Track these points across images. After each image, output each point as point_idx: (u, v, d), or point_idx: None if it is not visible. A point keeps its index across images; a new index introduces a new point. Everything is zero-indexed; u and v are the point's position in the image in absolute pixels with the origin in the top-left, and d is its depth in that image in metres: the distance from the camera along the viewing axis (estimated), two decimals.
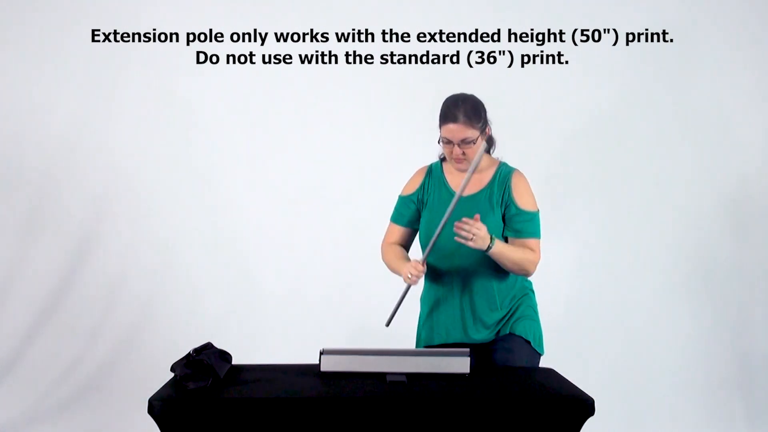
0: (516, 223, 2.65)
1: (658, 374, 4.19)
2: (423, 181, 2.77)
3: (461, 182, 2.56)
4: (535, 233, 2.67)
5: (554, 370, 2.57)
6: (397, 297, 2.72)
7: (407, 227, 2.81)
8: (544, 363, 2.75)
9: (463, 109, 2.59)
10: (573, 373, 2.59)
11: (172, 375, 2.30)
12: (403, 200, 2.81)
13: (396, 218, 2.83)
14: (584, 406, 2.20)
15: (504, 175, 2.70)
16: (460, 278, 2.69)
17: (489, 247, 2.52)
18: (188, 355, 2.29)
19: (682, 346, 4.20)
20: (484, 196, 2.68)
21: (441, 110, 2.65)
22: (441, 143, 2.67)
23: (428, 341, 2.79)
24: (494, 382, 2.38)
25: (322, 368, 2.38)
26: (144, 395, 2.19)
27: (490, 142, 2.73)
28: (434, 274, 2.74)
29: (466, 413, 2.17)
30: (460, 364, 2.39)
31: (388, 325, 2.76)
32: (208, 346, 2.39)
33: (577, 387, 2.35)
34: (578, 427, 2.20)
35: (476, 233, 2.48)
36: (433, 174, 2.77)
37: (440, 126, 2.64)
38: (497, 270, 2.67)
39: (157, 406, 2.14)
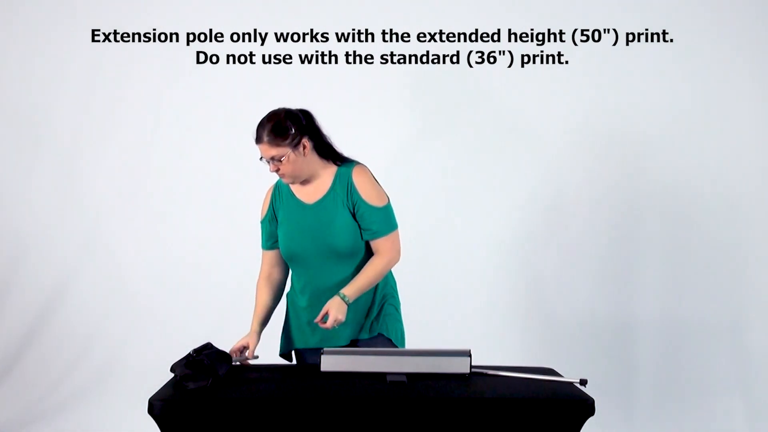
0: (369, 222, 2.68)
1: (658, 374, 4.19)
2: (271, 199, 2.82)
3: (306, 191, 2.71)
4: (390, 227, 2.71)
5: (554, 370, 2.57)
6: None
7: (273, 249, 2.84)
8: (544, 363, 2.75)
9: (267, 129, 2.66)
10: (573, 373, 2.59)
11: (172, 375, 2.30)
12: (262, 224, 2.87)
13: (263, 244, 2.88)
14: (584, 406, 2.20)
15: (344, 174, 2.72)
16: (325, 281, 2.72)
17: (348, 302, 2.60)
18: (188, 355, 2.29)
19: (682, 345, 4.19)
20: (329, 200, 2.71)
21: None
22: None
23: (297, 344, 2.81)
24: (494, 382, 2.38)
25: (322, 368, 2.38)
26: (144, 395, 2.19)
27: (322, 150, 2.73)
28: (302, 281, 2.78)
29: (466, 413, 2.17)
30: (460, 364, 2.39)
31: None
32: (208, 346, 2.39)
33: (577, 387, 2.35)
34: (578, 427, 2.20)
35: (336, 320, 2.57)
36: (281, 189, 2.80)
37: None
38: (357, 267, 2.73)
39: (157, 406, 2.14)
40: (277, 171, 2.66)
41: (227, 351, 2.47)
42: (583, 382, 2.37)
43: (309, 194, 2.74)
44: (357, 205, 2.68)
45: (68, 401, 4.15)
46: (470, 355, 2.40)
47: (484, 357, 2.74)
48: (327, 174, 2.73)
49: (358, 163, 2.75)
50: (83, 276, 4.30)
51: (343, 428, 2.16)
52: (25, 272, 4.30)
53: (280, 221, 2.77)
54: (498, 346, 3.83)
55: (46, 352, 4.25)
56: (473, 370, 2.42)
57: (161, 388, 2.26)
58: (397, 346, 2.74)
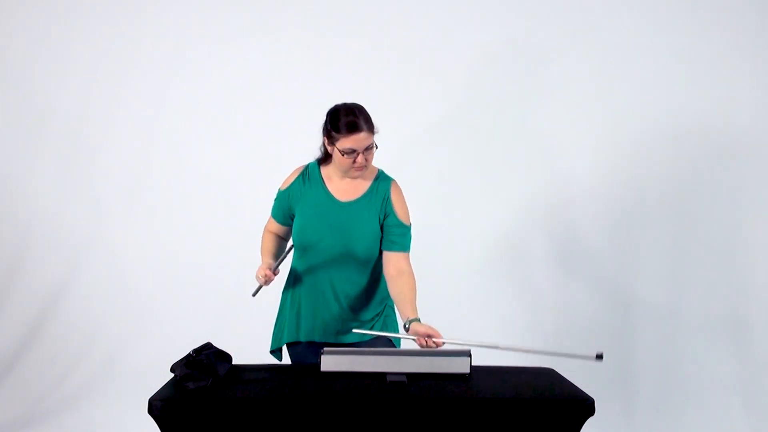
0: (393, 234, 2.69)
1: (658, 374, 4.19)
2: (296, 180, 2.77)
3: (341, 188, 2.69)
4: (407, 247, 2.73)
5: (554, 370, 2.57)
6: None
7: (281, 224, 2.82)
8: (544, 363, 2.75)
9: (363, 119, 2.60)
10: (573, 373, 2.59)
11: (172, 375, 2.31)
12: (279, 195, 2.81)
13: (274, 213, 2.84)
14: (584, 406, 2.20)
15: (383, 184, 2.73)
16: (333, 280, 2.71)
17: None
18: (188, 355, 2.29)
19: (682, 346, 4.19)
20: (364, 203, 2.70)
21: (338, 122, 2.60)
22: (341, 155, 2.61)
23: (297, 337, 2.77)
24: (494, 382, 2.38)
25: (322, 368, 2.38)
26: (144, 395, 2.19)
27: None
28: (308, 273, 2.75)
29: (466, 413, 2.17)
30: (460, 364, 2.39)
31: (254, 295, 2.84)
32: (208, 346, 2.39)
33: (577, 387, 2.35)
34: (578, 427, 2.21)
35: (437, 341, 2.50)
36: (311, 175, 2.76)
37: (339, 138, 2.59)
38: (368, 274, 2.73)
39: (157, 406, 2.14)
40: (365, 162, 2.61)
41: (228, 351, 2.46)
42: (600, 356, 2.36)
43: (343, 192, 2.71)
44: (389, 216, 2.70)
45: (68, 401, 4.14)
46: (470, 355, 2.40)
47: (484, 357, 2.74)
48: (367, 176, 2.72)
49: (393, 179, 2.77)
50: (83, 276, 4.30)
51: (343, 428, 2.16)
52: (26, 273, 4.30)
53: (303, 209, 2.72)
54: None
55: (46, 352, 4.25)
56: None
57: (161, 388, 2.26)
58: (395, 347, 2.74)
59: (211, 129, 4.30)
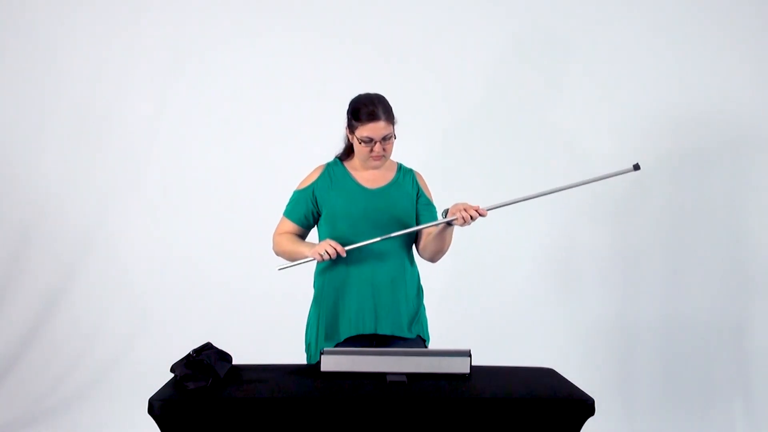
0: (424, 214, 2.78)
1: (658, 374, 4.19)
2: (318, 179, 2.78)
3: (368, 178, 2.74)
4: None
5: (554, 370, 2.57)
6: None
7: (298, 224, 2.79)
8: (544, 363, 2.75)
9: (382, 108, 2.65)
10: (573, 373, 2.59)
11: (172, 375, 2.31)
12: (298, 195, 2.80)
13: (289, 214, 2.80)
14: (584, 406, 2.20)
15: (408, 173, 2.83)
16: (374, 270, 2.70)
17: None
18: (188, 355, 2.29)
19: (683, 346, 4.19)
20: (395, 187, 2.77)
21: (357, 111, 2.66)
22: (359, 143, 2.67)
23: (333, 337, 2.72)
24: (494, 382, 2.38)
25: (322, 368, 2.38)
26: (144, 395, 2.19)
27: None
28: (345, 266, 2.70)
29: (466, 413, 2.17)
30: (460, 364, 2.39)
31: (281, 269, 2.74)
32: (208, 346, 2.39)
33: (577, 387, 2.35)
34: (578, 427, 2.21)
35: (474, 211, 2.54)
36: (335, 170, 2.79)
37: (358, 126, 2.65)
38: (408, 262, 2.76)
39: (157, 406, 2.14)
40: (382, 151, 2.66)
41: (228, 351, 2.46)
42: (636, 167, 2.31)
43: (371, 181, 2.75)
44: (420, 197, 2.79)
45: (68, 401, 4.14)
46: (470, 355, 2.40)
47: (484, 357, 2.74)
48: (389, 166, 2.80)
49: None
50: (83, 276, 4.30)
51: (343, 428, 2.16)
52: (26, 272, 4.30)
53: (334, 201, 2.72)
54: (498, 346, 3.83)
55: (46, 352, 4.25)
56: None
57: (161, 388, 2.26)
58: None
59: (213, 129, 4.30)
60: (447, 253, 2.79)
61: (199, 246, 4.29)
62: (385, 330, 2.69)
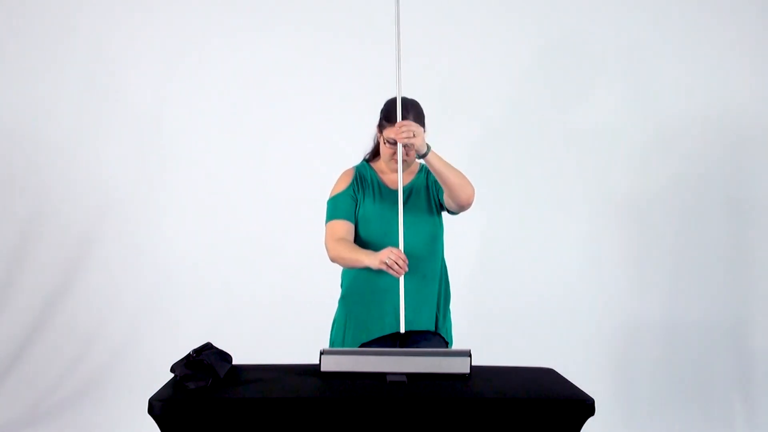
0: (440, 189, 2.78)
1: (658, 374, 4.19)
2: (355, 178, 2.82)
3: (394, 179, 2.77)
4: None
5: (554, 370, 2.57)
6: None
7: (350, 221, 2.78)
8: (544, 363, 2.75)
9: (414, 113, 2.70)
10: (573, 373, 2.59)
11: (172, 375, 2.30)
12: (339, 197, 2.80)
13: (337, 215, 2.78)
14: (584, 406, 2.20)
15: (423, 166, 2.88)
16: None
17: (427, 151, 2.60)
18: (188, 355, 2.29)
19: (683, 346, 4.20)
20: (420, 185, 2.82)
21: (389, 111, 2.72)
22: (383, 143, 2.75)
23: (362, 336, 2.73)
24: (494, 382, 2.37)
25: (322, 368, 2.38)
26: (144, 395, 2.19)
27: None
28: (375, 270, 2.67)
29: (466, 413, 2.16)
30: (460, 364, 2.39)
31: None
32: (208, 346, 2.38)
33: (577, 387, 2.35)
34: (578, 427, 2.20)
35: (416, 131, 2.57)
36: (364, 173, 2.83)
37: (386, 126, 2.73)
38: (438, 261, 2.79)
39: (157, 406, 2.14)
40: (406, 155, 2.70)
41: (228, 351, 2.46)
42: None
43: (395, 182, 2.78)
44: (430, 175, 2.83)
45: (68, 401, 4.15)
46: (470, 355, 2.40)
47: (484, 357, 2.74)
48: (413, 168, 2.86)
49: None
50: (83, 276, 4.30)
51: (343, 428, 2.15)
52: (26, 272, 4.30)
53: (367, 207, 2.77)
54: (498, 346, 3.83)
55: (46, 352, 4.25)
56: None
57: (161, 388, 2.26)
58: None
59: (215, 131, 4.30)
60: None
61: (199, 246, 4.29)
62: (415, 327, 2.70)
